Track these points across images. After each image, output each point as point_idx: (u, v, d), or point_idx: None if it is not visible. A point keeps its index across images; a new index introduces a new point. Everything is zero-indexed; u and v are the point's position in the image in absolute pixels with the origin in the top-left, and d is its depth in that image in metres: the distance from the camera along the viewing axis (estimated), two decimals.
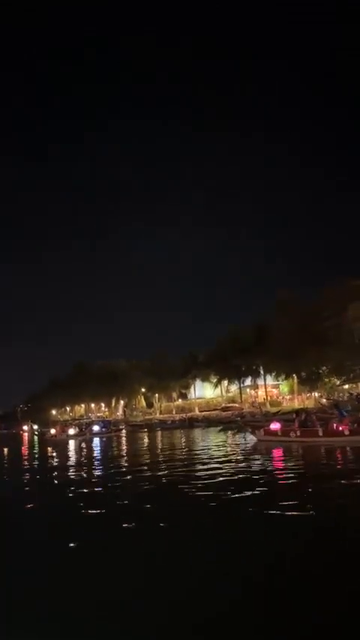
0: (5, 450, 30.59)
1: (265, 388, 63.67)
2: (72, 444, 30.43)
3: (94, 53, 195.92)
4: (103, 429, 37.89)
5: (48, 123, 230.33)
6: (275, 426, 21.65)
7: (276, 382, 63.87)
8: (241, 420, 31.01)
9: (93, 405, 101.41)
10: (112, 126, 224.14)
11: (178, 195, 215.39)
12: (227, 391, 70.44)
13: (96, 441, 31.34)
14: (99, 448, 25.88)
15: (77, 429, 37.92)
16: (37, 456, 25.52)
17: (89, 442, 30.27)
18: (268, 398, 63.60)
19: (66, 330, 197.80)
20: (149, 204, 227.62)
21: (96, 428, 38.77)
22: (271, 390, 66.06)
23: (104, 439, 32.49)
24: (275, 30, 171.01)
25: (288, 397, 61.39)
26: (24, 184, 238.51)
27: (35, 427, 58.03)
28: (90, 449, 25.72)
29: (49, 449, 28.17)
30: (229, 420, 37.16)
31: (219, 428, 33.78)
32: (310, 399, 55.20)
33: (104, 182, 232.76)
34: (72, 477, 14.95)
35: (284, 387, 64.42)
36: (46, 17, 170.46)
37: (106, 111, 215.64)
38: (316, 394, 50.61)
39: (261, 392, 68.44)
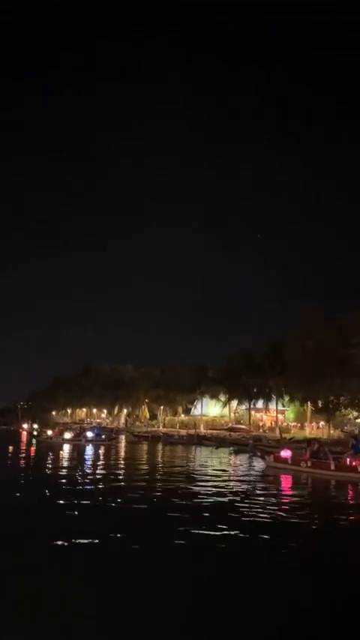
0: None
1: (277, 413, 62.48)
2: (66, 448, 29.95)
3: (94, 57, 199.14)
4: (97, 437, 37.08)
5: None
6: (286, 453, 21.09)
7: (282, 407, 62.47)
8: (252, 444, 30.19)
9: (95, 410, 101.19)
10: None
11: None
12: (234, 411, 69.33)
13: (90, 448, 30.73)
14: (90, 457, 25.05)
15: (73, 434, 37.35)
16: (21, 457, 24.93)
17: (82, 449, 29.70)
18: (274, 423, 62.49)
19: (75, 330, 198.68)
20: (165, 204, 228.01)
21: (89, 434, 37.99)
22: (277, 415, 64.95)
23: (100, 447, 31.88)
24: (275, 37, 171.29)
25: (293, 424, 60.16)
26: (31, 186, 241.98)
27: (35, 427, 57.94)
28: (80, 456, 24.94)
29: (39, 451, 27.81)
30: (241, 442, 36.30)
31: (231, 449, 33.11)
32: (322, 429, 53.98)
33: (115, 185, 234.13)
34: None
35: (290, 413, 63.18)
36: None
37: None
38: (330, 425, 49.27)
39: (266, 416, 67.49)
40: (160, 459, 25.36)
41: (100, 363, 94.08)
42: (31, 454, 27.27)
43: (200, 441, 42.31)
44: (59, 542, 6.94)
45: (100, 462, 22.10)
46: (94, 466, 20.31)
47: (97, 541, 7.17)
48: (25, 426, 71.53)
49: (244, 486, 14.87)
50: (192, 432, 55.67)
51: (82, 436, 36.42)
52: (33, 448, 31.27)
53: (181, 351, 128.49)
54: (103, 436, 41.47)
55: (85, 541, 7.14)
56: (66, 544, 6.90)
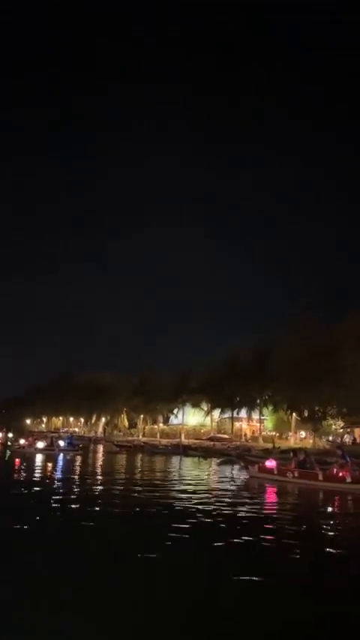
0: None
1: (260, 422, 62.35)
2: (38, 458, 28.96)
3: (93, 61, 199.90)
4: (69, 446, 36.06)
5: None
6: (271, 463, 20.89)
7: (260, 417, 62.44)
8: (237, 454, 29.83)
9: (72, 419, 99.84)
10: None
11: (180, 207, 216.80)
12: (216, 421, 69.05)
13: (61, 458, 29.72)
14: (61, 468, 23.87)
15: (46, 443, 36.29)
16: None
17: (54, 459, 28.70)
18: (256, 433, 62.47)
19: (51, 337, 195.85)
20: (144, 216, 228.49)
21: (61, 443, 36.94)
22: (255, 424, 64.94)
23: (74, 457, 30.91)
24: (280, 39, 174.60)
25: (272, 433, 60.14)
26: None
27: (10, 435, 56.52)
28: (52, 467, 23.90)
29: (9, 462, 26.67)
30: (228, 453, 35.90)
31: (219, 460, 32.56)
32: (307, 439, 53.98)
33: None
34: None
35: (268, 422, 63.23)
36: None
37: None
38: (315, 435, 49.28)
39: (246, 425, 67.52)
40: (144, 472, 23.88)
41: (79, 370, 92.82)
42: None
43: (186, 451, 41.73)
44: None
45: (72, 475, 20.97)
46: (65, 480, 18.59)
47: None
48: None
49: (235, 499, 14.31)
50: (175, 441, 55.03)
51: (55, 445, 35.43)
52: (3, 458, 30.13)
53: (164, 356, 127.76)
54: (81, 445, 40.50)
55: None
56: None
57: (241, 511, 11.70)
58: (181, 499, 13.47)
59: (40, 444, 35.63)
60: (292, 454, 22.91)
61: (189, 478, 20.75)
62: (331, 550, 8.23)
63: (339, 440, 47.67)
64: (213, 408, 65.95)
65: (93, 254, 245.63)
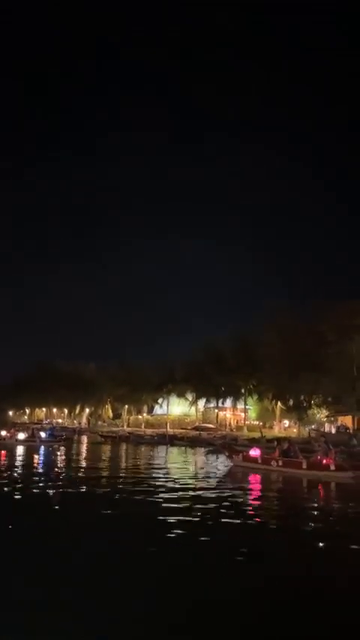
0: None
1: (245, 412, 62.90)
2: (19, 450, 28.73)
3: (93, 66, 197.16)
4: (51, 437, 35.85)
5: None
6: (255, 452, 21.10)
7: (245, 407, 63.11)
8: (222, 443, 30.04)
9: (55, 410, 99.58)
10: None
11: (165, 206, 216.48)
12: (201, 411, 69.56)
13: (43, 449, 29.43)
14: (43, 460, 23.51)
15: (27, 434, 36.00)
16: None
17: (36, 450, 28.47)
18: (241, 422, 63.16)
19: (33, 325, 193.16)
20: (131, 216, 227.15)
21: (42, 435, 36.63)
22: (240, 414, 65.66)
23: (58, 448, 30.76)
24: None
25: (255, 423, 60.87)
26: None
27: None
28: (32, 458, 23.58)
29: None
30: (215, 442, 36.16)
31: (207, 449, 32.78)
32: (291, 428, 54.71)
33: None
34: None
35: (252, 412, 63.97)
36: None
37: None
38: (300, 424, 49.93)
39: (229, 415, 68.38)
40: (130, 462, 23.86)
41: (64, 361, 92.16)
42: None
43: (172, 441, 41.98)
44: None
45: (56, 466, 20.88)
46: (47, 471, 18.46)
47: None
48: None
49: (218, 487, 14.43)
50: (161, 431, 55.23)
51: (37, 437, 35.15)
52: None
53: (152, 347, 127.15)
54: (64, 436, 40.27)
55: None
56: None
57: (224, 498, 11.83)
58: (165, 487, 13.51)
59: (21, 436, 35.35)
60: (276, 443, 23.29)
61: (175, 467, 20.92)
62: (316, 532, 8.34)
63: (322, 429, 48.42)
64: (198, 397, 66.32)
65: (84, 244, 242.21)
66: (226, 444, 29.12)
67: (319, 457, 18.93)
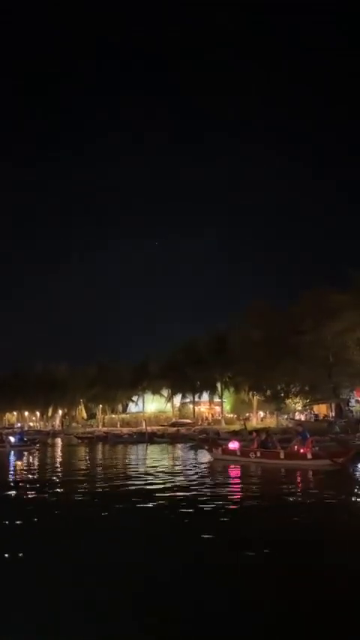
0: None
1: (222, 405, 63.77)
2: None
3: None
4: (21, 442, 35.27)
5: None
6: (234, 445, 21.61)
7: (219, 399, 64.12)
8: (199, 438, 30.49)
9: (27, 414, 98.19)
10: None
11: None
12: (176, 407, 70.19)
13: (13, 455, 28.81)
14: (13, 466, 22.74)
15: None
16: None
17: (5, 457, 27.97)
18: (214, 416, 64.20)
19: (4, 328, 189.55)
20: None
21: (12, 439, 35.96)
22: (215, 407, 66.63)
23: (31, 453, 30.31)
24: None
25: (231, 415, 61.87)
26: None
27: None
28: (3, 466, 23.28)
29: None
30: (195, 437, 36.55)
31: (188, 445, 33.13)
32: (267, 419, 55.80)
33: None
34: None
35: (227, 404, 65.00)
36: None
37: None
38: (278, 414, 50.94)
39: (204, 408, 69.32)
40: (109, 464, 23.41)
41: (35, 363, 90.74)
42: None
43: (152, 438, 41.98)
44: None
45: (29, 472, 20.65)
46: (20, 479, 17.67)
47: None
48: None
49: (199, 480, 14.86)
50: (138, 429, 55.28)
51: (6, 442, 34.52)
52: None
53: (130, 345, 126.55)
54: (37, 440, 39.79)
55: None
56: None
57: (205, 490, 12.37)
58: (145, 485, 13.83)
59: None
60: (254, 434, 23.87)
61: (156, 465, 21.07)
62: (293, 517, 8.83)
63: (299, 418, 49.64)
64: (174, 393, 66.82)
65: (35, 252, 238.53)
66: (209, 438, 29.62)
67: (295, 447, 19.49)
